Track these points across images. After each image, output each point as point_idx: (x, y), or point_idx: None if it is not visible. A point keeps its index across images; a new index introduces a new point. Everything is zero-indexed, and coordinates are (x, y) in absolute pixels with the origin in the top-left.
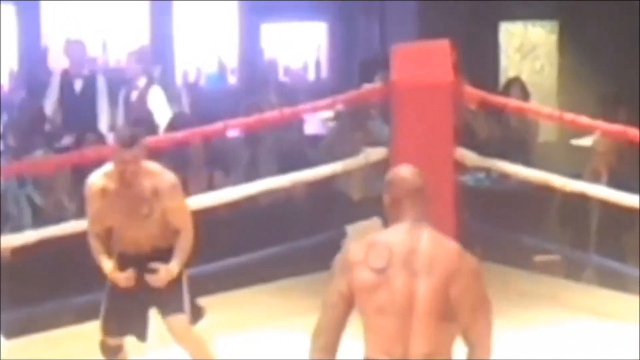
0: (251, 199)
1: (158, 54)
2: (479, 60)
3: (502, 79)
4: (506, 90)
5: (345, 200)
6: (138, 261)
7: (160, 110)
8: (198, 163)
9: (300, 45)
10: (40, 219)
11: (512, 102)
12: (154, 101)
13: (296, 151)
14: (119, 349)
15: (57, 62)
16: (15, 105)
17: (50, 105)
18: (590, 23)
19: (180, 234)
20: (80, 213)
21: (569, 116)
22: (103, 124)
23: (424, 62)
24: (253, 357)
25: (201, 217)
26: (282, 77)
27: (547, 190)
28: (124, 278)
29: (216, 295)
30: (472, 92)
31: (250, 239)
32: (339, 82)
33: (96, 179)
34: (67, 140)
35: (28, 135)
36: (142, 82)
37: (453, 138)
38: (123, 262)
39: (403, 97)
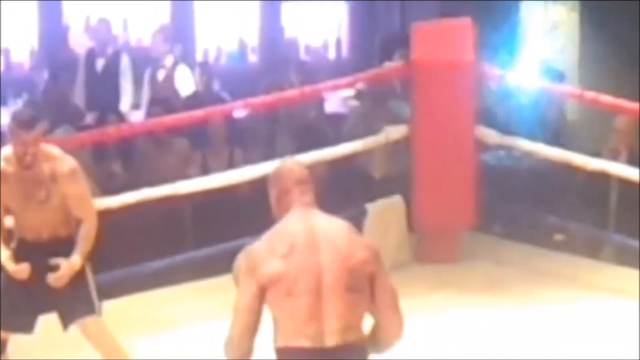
0: None
1: (179, 32)
2: (499, 39)
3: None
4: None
5: (368, 179)
6: (37, 249)
7: (187, 90)
8: (218, 141)
9: (321, 24)
10: None
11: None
12: (180, 80)
13: (316, 130)
14: (3, 344)
15: (78, 41)
16: (36, 84)
17: (77, 84)
18: (611, 1)
19: (82, 223)
20: (101, 191)
21: (590, 95)
22: (126, 103)
23: (445, 40)
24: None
25: (221, 194)
26: (302, 55)
27: (567, 168)
28: (18, 270)
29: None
30: (493, 71)
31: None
32: (359, 61)
33: None
34: (89, 118)
35: (51, 114)
36: (169, 61)
37: (474, 116)
38: (22, 249)
39: (424, 75)
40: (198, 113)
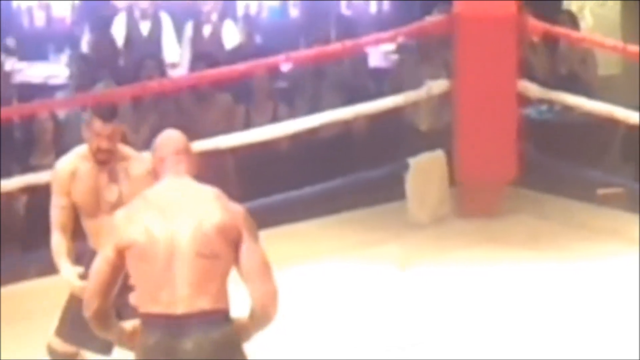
0: (315, 132)
1: None
2: None
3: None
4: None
5: (414, 132)
6: None
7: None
8: (261, 95)
9: None
10: None
11: (575, 34)
12: (227, 36)
13: (360, 84)
14: (70, 356)
15: None
16: (78, 39)
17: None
18: None
19: None
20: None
21: (633, 48)
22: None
23: None
24: (320, 288)
25: (266, 149)
26: (344, 10)
27: (610, 122)
28: (84, 288)
29: (281, 227)
30: (535, 25)
31: (316, 171)
32: (401, 15)
33: (67, 161)
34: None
35: (97, 69)
36: (214, 16)
37: (516, 70)
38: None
39: (466, 29)
40: (241, 67)
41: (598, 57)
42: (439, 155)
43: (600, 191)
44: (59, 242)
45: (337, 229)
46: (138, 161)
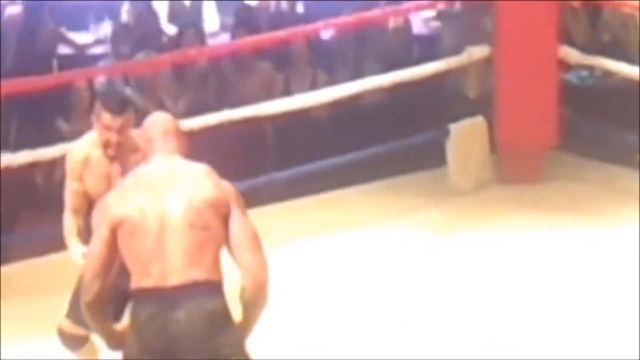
0: (356, 99)
1: None
2: None
3: None
4: None
5: (454, 99)
6: None
7: None
8: (301, 62)
9: None
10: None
11: None
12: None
13: (403, 51)
14: (80, 340)
15: None
16: (117, 8)
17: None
18: None
19: None
20: (185, 113)
21: None
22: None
23: None
24: (361, 255)
25: (306, 116)
26: None
27: None
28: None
29: (321, 194)
30: None
31: (357, 138)
32: None
33: (79, 147)
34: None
35: (140, 42)
36: None
37: (557, 36)
38: None
39: None
40: (281, 34)
41: None
42: (479, 121)
43: None
44: (70, 223)
45: (377, 196)
46: None
